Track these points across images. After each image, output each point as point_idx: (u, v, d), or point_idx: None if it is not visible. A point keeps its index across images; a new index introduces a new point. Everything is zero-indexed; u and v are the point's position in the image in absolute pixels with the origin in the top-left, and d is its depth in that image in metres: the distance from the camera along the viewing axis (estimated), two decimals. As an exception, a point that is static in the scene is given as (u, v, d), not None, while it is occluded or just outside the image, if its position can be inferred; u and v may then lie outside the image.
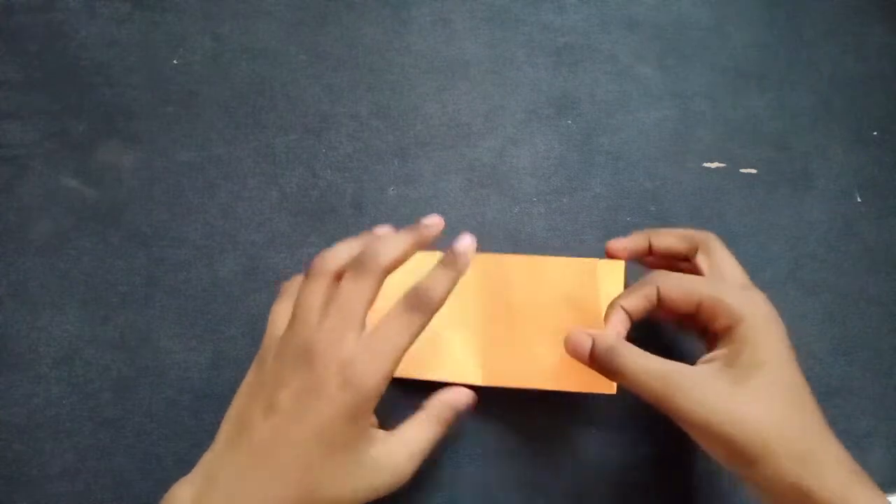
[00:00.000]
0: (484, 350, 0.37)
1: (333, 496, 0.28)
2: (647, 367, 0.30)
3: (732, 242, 0.43)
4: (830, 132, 0.46)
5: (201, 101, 0.42)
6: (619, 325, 0.33)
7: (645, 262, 0.38)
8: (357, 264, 0.30)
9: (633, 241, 0.36)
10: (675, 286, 0.32)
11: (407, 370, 0.36)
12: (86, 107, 0.42)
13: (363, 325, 0.29)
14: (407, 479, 0.31)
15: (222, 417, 0.37)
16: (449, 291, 0.31)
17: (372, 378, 0.28)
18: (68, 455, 0.36)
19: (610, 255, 0.36)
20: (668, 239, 0.36)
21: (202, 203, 0.41)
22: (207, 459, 0.29)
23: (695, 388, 0.29)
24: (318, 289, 0.30)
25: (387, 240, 0.31)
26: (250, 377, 0.31)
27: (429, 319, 0.30)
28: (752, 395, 0.28)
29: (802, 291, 0.42)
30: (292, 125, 0.43)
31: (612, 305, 0.34)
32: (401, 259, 0.31)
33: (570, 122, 0.44)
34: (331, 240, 0.40)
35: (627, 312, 0.33)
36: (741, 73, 0.46)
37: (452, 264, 0.31)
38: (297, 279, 0.33)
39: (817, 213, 0.44)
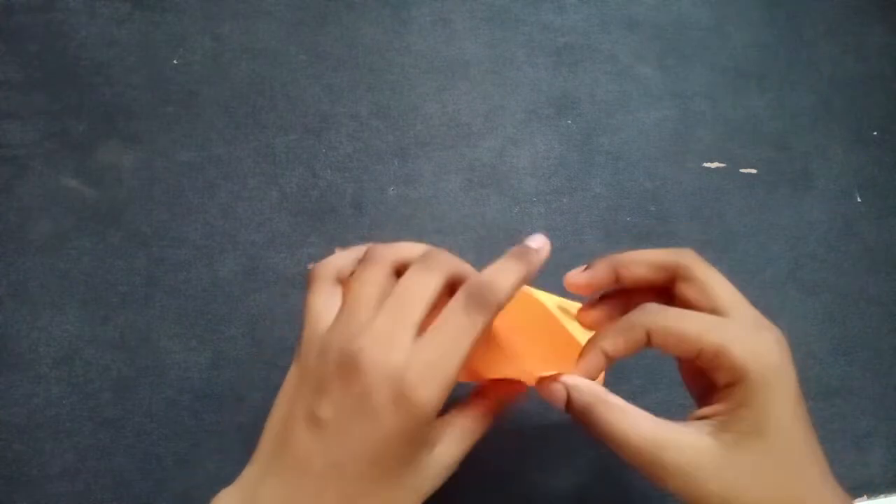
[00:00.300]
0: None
1: None
2: (635, 431, 0.26)
3: (732, 242, 0.43)
4: (830, 132, 0.46)
5: (201, 101, 0.42)
6: (595, 372, 0.28)
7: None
8: (424, 259, 0.27)
9: (593, 275, 0.31)
10: (668, 330, 0.27)
11: None
12: (86, 107, 0.42)
13: (418, 328, 0.25)
14: (435, 482, 0.27)
15: (222, 417, 0.37)
16: (516, 289, 0.27)
17: (429, 393, 0.24)
18: (68, 455, 0.36)
19: (568, 289, 0.31)
20: (639, 269, 0.30)
21: (202, 203, 0.41)
22: (249, 474, 0.27)
23: (688, 462, 0.25)
24: (374, 279, 0.27)
25: (453, 256, 0.28)
26: (291, 378, 0.28)
27: (492, 320, 0.26)
28: (748, 468, 0.25)
29: (802, 291, 0.42)
30: (292, 125, 0.43)
31: (590, 344, 0.29)
32: (465, 270, 0.28)
33: (570, 122, 0.44)
34: (331, 240, 0.41)
35: (608, 356, 0.28)
36: (741, 73, 0.46)
37: (524, 257, 0.27)
38: (331, 260, 0.29)
39: (817, 213, 0.44)
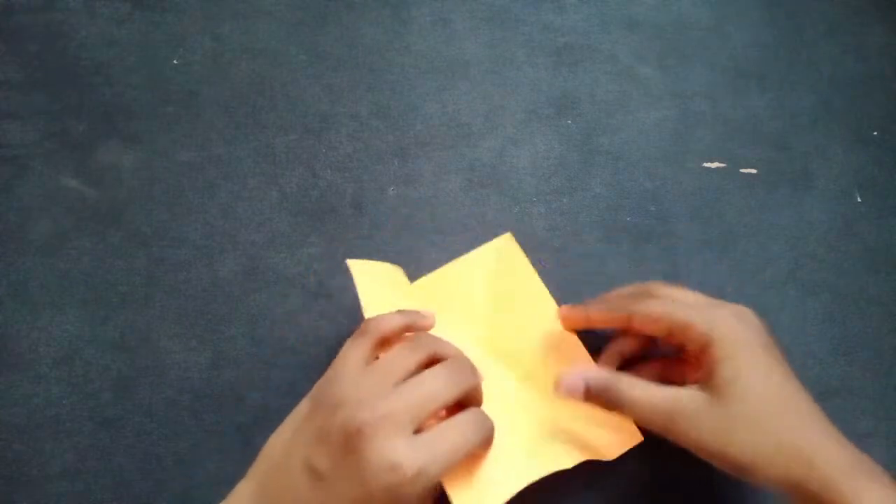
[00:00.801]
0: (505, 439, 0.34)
1: None
2: (650, 398, 0.31)
3: (732, 242, 0.43)
4: (830, 132, 0.46)
5: (201, 101, 0.42)
6: (574, 321, 0.36)
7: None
8: (453, 368, 0.31)
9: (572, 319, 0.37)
10: (646, 313, 0.33)
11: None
12: (86, 107, 0.42)
13: (420, 424, 0.28)
14: None
15: (223, 417, 0.37)
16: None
17: (415, 490, 0.27)
18: (68, 455, 0.36)
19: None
20: (602, 315, 0.35)
21: (202, 203, 0.41)
22: (243, 492, 0.29)
23: (691, 417, 0.30)
24: (407, 363, 0.30)
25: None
26: (302, 409, 0.30)
27: (487, 438, 0.31)
28: (731, 415, 0.30)
29: (802, 291, 0.42)
30: (292, 125, 0.43)
31: (578, 307, 0.36)
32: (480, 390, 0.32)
33: (570, 122, 0.44)
34: (331, 240, 0.41)
35: (590, 318, 0.35)
36: (741, 73, 0.46)
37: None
38: (384, 320, 0.32)
39: (817, 213, 0.44)
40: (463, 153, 0.43)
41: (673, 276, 0.42)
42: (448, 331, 0.35)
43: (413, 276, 0.40)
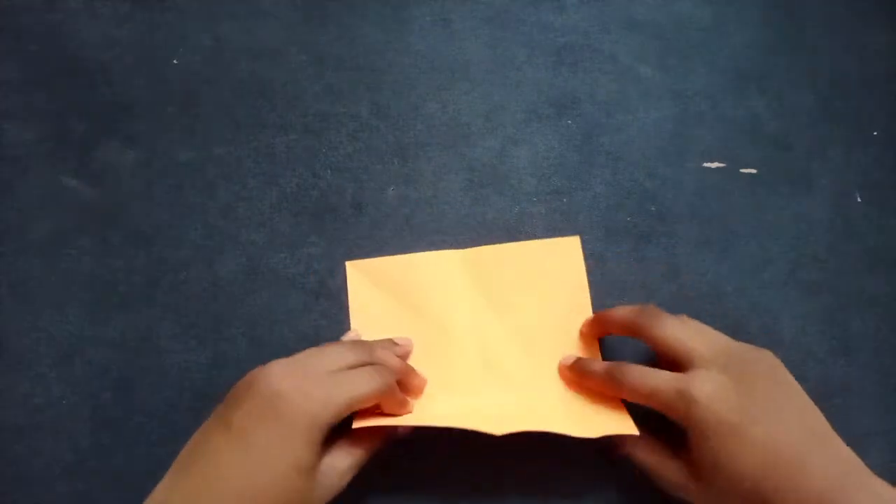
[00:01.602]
0: (496, 393, 0.38)
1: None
2: (663, 380, 0.32)
3: (732, 242, 0.43)
4: (830, 132, 0.46)
5: (201, 101, 0.42)
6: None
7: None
8: (376, 365, 0.34)
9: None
10: (630, 387, 0.34)
11: (417, 418, 0.36)
12: (86, 107, 0.42)
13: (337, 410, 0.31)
14: (340, 492, 0.32)
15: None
16: (393, 382, 0.34)
17: (328, 410, 0.30)
18: (68, 455, 0.36)
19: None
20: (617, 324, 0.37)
21: (202, 203, 0.41)
22: (159, 488, 0.31)
23: (711, 393, 0.31)
24: (339, 355, 0.33)
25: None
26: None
27: (387, 390, 0.33)
28: (714, 497, 0.31)
29: (802, 291, 0.42)
30: (292, 125, 0.43)
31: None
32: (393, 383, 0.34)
33: (570, 122, 0.44)
34: (331, 240, 0.41)
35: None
36: (741, 73, 0.46)
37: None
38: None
39: (817, 213, 0.44)
40: (463, 153, 0.43)
41: (673, 276, 0.42)
42: (471, 301, 0.39)
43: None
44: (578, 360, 0.38)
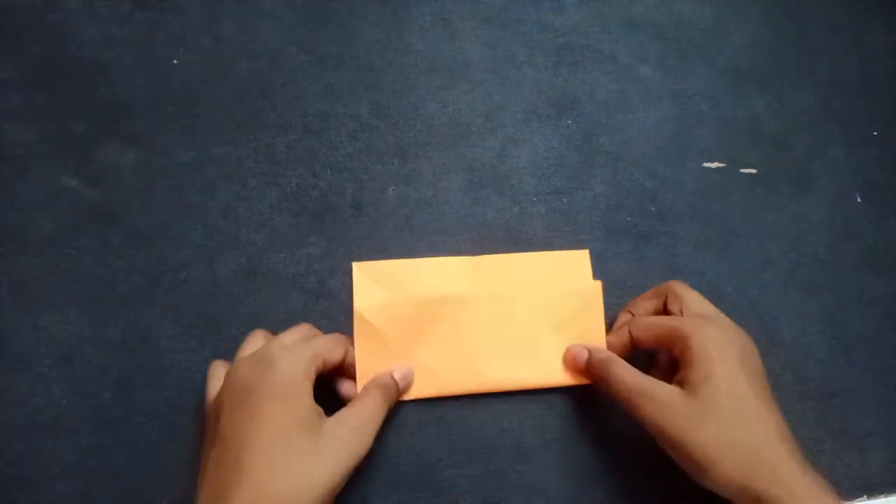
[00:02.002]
0: (484, 359, 0.39)
1: (289, 485, 0.29)
2: (629, 380, 0.34)
3: (732, 242, 0.43)
4: (830, 132, 0.46)
5: (201, 101, 0.42)
6: (616, 348, 0.38)
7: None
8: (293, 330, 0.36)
9: (620, 334, 0.39)
10: (641, 327, 0.37)
11: (416, 391, 0.38)
12: (86, 107, 0.42)
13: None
14: (361, 452, 0.32)
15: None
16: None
17: (290, 366, 0.32)
18: (68, 455, 0.36)
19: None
20: (644, 304, 0.39)
21: (202, 203, 0.41)
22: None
23: (661, 403, 0.33)
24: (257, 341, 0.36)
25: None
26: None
27: (340, 358, 0.35)
28: (701, 410, 0.32)
29: (802, 291, 0.42)
30: (292, 125, 0.43)
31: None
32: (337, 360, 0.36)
33: (570, 122, 0.44)
34: (331, 240, 0.41)
35: (612, 345, 0.39)
36: (741, 73, 0.46)
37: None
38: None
39: (817, 213, 0.44)
40: (463, 153, 0.43)
41: (673, 276, 0.42)
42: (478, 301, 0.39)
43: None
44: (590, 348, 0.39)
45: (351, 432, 0.32)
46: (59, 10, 0.43)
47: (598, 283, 0.40)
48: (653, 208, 0.43)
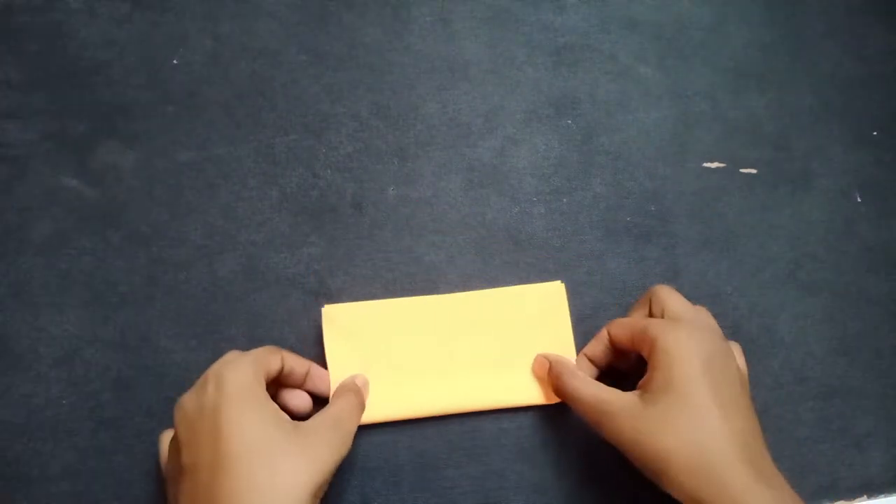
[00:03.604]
0: (452, 381, 0.38)
1: (283, 483, 0.29)
2: (586, 391, 0.34)
3: (732, 242, 0.43)
4: (830, 132, 0.46)
5: (201, 101, 0.42)
6: (583, 368, 0.38)
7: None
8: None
9: (600, 335, 0.38)
10: (617, 325, 0.37)
11: (376, 414, 0.37)
12: (86, 107, 0.42)
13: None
14: (343, 451, 0.32)
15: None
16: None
17: (240, 370, 0.31)
18: (68, 455, 0.36)
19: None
20: (633, 314, 0.39)
21: (202, 203, 0.41)
22: None
23: (617, 413, 0.32)
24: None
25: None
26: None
27: (278, 361, 0.34)
28: (658, 416, 0.31)
29: (802, 291, 0.42)
30: (292, 125, 0.43)
31: (578, 356, 0.39)
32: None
33: (570, 122, 0.44)
34: (331, 240, 0.41)
35: (591, 359, 0.38)
36: (741, 73, 0.46)
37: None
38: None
39: (817, 213, 0.44)
40: (463, 153, 0.43)
41: (673, 276, 0.42)
42: (445, 344, 0.39)
43: (413, 275, 0.40)
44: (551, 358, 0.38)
45: (335, 430, 0.32)
46: (59, 10, 0.43)
47: (561, 284, 0.40)
48: (653, 208, 0.43)
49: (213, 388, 0.30)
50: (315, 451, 0.30)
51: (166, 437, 0.34)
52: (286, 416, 0.31)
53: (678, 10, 0.47)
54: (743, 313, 0.41)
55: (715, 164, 0.44)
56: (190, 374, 0.37)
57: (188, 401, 0.31)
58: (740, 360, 0.35)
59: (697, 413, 0.31)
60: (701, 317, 0.36)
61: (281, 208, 0.41)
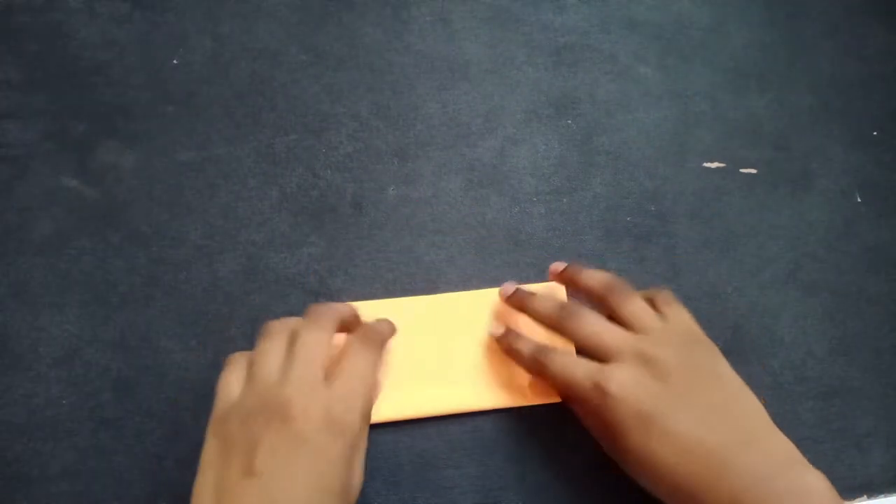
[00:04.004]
0: (455, 379, 0.38)
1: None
2: (580, 368, 0.33)
3: (732, 242, 0.43)
4: (830, 132, 0.46)
5: (201, 101, 0.42)
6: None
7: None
8: (311, 318, 0.32)
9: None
10: (549, 370, 0.34)
11: (376, 414, 0.37)
12: (86, 107, 0.42)
13: (324, 371, 0.30)
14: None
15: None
16: (390, 335, 0.35)
17: (353, 416, 0.29)
18: (68, 455, 0.36)
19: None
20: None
21: (202, 203, 0.41)
22: None
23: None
24: (275, 347, 0.31)
25: (335, 305, 0.34)
26: (210, 449, 0.29)
27: (381, 352, 0.33)
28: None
29: (802, 291, 0.42)
30: (292, 125, 0.43)
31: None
32: (351, 318, 0.34)
33: (570, 122, 0.44)
34: (331, 240, 0.41)
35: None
36: (741, 73, 0.46)
37: (389, 323, 0.35)
38: (243, 352, 0.33)
39: (817, 213, 0.44)
40: (463, 153, 0.43)
41: (673, 276, 0.42)
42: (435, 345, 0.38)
43: (413, 275, 0.40)
44: (508, 332, 0.37)
45: (361, 476, 0.31)
46: (59, 10, 0.43)
47: (561, 285, 0.40)
48: (653, 208, 0.43)
49: (308, 447, 0.28)
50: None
51: (232, 382, 0.31)
52: (349, 480, 0.30)
53: (678, 10, 0.47)
54: (743, 313, 0.41)
55: (715, 164, 0.44)
56: (190, 374, 0.37)
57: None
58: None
59: (650, 463, 0.30)
60: (651, 336, 0.33)
61: (281, 208, 0.41)
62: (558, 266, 0.38)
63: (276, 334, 0.32)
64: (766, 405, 0.40)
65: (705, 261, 0.42)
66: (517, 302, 0.37)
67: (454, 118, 0.44)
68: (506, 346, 0.37)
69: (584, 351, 0.34)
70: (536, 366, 0.35)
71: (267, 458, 0.27)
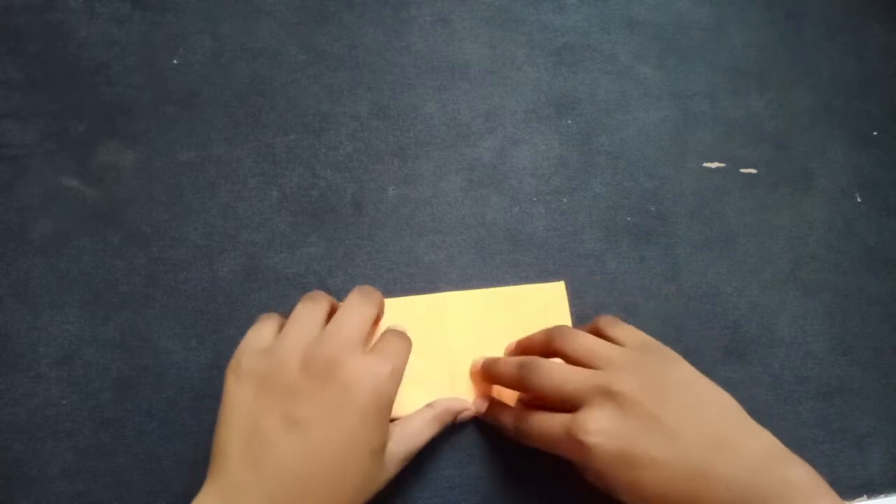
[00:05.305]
0: (454, 378, 0.38)
1: (359, 500, 0.29)
2: (554, 423, 0.32)
3: (732, 242, 0.43)
4: (830, 132, 0.46)
5: (201, 101, 0.42)
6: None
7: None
8: (362, 293, 0.33)
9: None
10: (527, 425, 0.34)
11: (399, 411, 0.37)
12: (86, 107, 0.42)
13: (365, 341, 0.31)
14: (389, 480, 0.32)
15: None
16: (410, 346, 0.34)
17: (391, 386, 0.30)
18: (68, 455, 0.36)
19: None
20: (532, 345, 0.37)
21: (202, 203, 0.41)
22: (223, 486, 0.28)
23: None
24: (319, 309, 0.32)
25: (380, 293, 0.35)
26: (242, 392, 0.29)
27: (410, 352, 0.33)
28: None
29: (802, 291, 0.42)
30: (292, 125, 0.43)
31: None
32: (381, 314, 0.35)
33: (570, 122, 0.44)
34: (331, 240, 0.41)
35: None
36: (741, 73, 0.46)
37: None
38: (278, 312, 0.34)
39: (817, 213, 0.44)
40: (463, 153, 0.43)
41: (673, 276, 0.42)
42: (445, 344, 0.39)
43: (413, 275, 0.40)
44: (491, 405, 0.37)
45: (398, 464, 0.32)
46: (59, 10, 0.43)
47: (562, 284, 0.40)
48: (653, 208, 0.43)
49: (350, 404, 0.29)
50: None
51: (263, 334, 0.32)
52: (381, 447, 0.31)
53: (678, 10, 0.47)
54: (743, 313, 0.41)
55: (715, 164, 0.44)
56: (190, 374, 0.37)
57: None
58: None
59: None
60: (592, 351, 0.33)
61: (281, 208, 0.41)
62: (476, 363, 0.38)
63: (320, 299, 0.33)
64: (766, 405, 0.40)
65: (705, 261, 0.42)
66: (485, 373, 0.37)
67: (454, 118, 0.44)
68: (491, 422, 0.37)
69: (551, 404, 0.33)
70: (519, 434, 0.34)
71: (310, 412, 0.28)
